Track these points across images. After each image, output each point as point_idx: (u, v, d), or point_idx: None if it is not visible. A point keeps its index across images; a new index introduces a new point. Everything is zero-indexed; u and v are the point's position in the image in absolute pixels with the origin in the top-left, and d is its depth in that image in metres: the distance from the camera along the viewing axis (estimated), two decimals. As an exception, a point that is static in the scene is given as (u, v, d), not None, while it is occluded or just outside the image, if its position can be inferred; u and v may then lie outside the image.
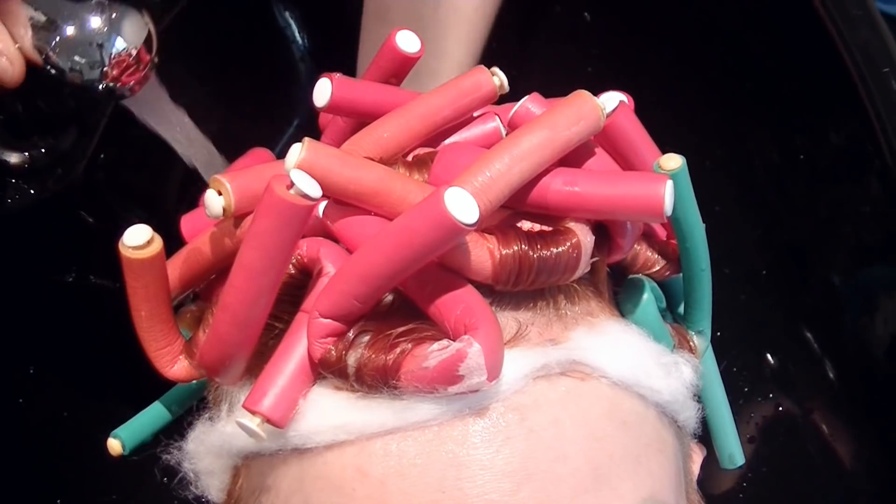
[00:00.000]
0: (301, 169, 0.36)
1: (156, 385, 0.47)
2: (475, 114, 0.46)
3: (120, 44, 0.49)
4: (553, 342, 0.38)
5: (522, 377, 0.37)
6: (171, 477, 0.44)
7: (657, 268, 0.45)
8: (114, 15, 0.49)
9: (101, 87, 0.50)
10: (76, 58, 0.48)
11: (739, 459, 0.52)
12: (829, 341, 0.70)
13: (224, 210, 0.39)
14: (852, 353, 0.67)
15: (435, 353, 0.34)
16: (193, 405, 0.49)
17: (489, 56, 0.75)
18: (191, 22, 0.80)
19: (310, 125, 0.91)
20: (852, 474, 0.67)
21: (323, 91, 0.43)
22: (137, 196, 0.82)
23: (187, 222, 0.46)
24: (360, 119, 0.46)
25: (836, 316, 0.69)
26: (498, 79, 0.45)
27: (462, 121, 0.45)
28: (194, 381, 0.48)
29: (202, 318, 0.44)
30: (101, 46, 0.49)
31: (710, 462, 0.52)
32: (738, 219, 0.74)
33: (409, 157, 0.43)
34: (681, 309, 0.48)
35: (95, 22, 0.49)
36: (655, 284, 0.45)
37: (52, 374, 0.71)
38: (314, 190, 0.34)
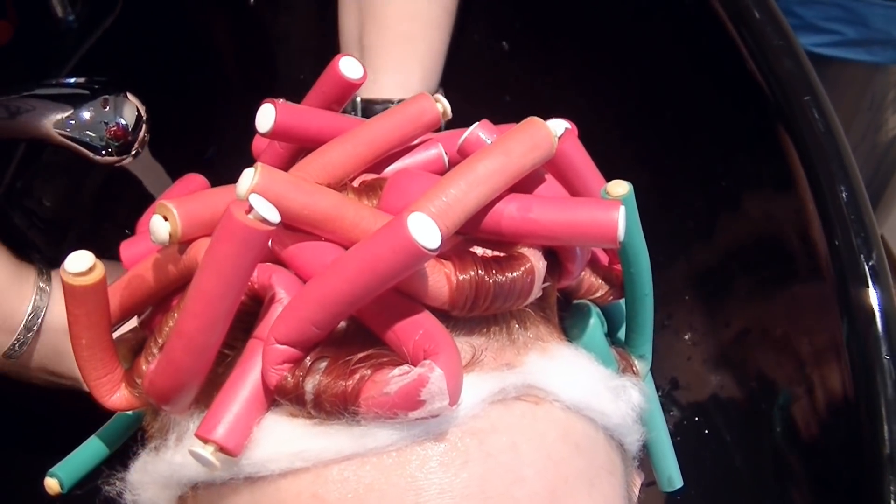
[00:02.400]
0: (256, 194, 0.35)
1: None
2: (417, 140, 0.46)
3: (120, 121, 0.67)
4: (508, 366, 0.38)
5: (480, 402, 0.37)
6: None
7: (601, 293, 0.46)
8: (115, 103, 0.68)
9: (104, 151, 0.68)
10: (88, 132, 0.67)
11: (678, 482, 0.53)
12: (753, 365, 0.71)
13: (170, 236, 0.39)
14: (783, 379, 0.69)
15: (396, 378, 0.34)
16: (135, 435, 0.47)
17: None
18: (110, 49, 0.79)
19: (229, 151, 0.91)
20: (779, 493, 0.68)
21: (267, 116, 0.43)
22: (49, 221, 0.81)
23: (127, 248, 0.45)
24: (303, 145, 0.46)
25: (766, 341, 0.70)
26: (441, 105, 0.46)
27: (405, 147, 0.45)
28: (131, 412, 0.47)
29: (140, 347, 0.43)
30: (106, 124, 0.67)
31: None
32: (659, 246, 0.75)
33: (356, 183, 0.43)
34: (620, 334, 0.49)
35: (104, 109, 0.68)
36: (600, 310, 0.46)
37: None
38: (273, 215, 0.34)
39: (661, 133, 0.77)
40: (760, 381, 0.70)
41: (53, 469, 0.47)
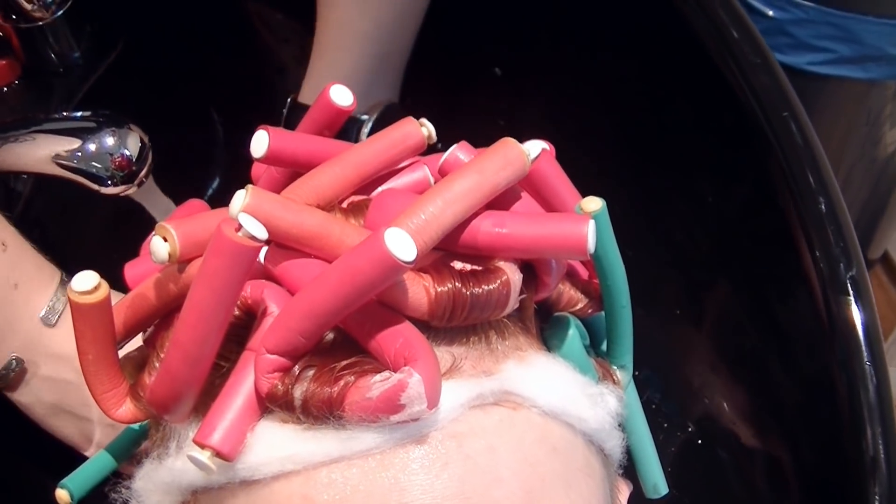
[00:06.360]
0: (246, 213, 0.38)
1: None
2: (405, 163, 0.48)
3: (125, 152, 0.69)
4: (486, 374, 0.40)
5: (459, 406, 0.39)
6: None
7: (580, 305, 0.48)
8: (119, 135, 0.70)
9: (110, 181, 0.71)
10: (93, 163, 0.69)
11: (663, 489, 0.54)
12: (746, 374, 0.73)
13: (169, 256, 0.41)
14: (768, 385, 0.71)
15: (377, 384, 0.36)
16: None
17: (405, 110, 0.79)
18: (115, 83, 0.82)
19: (227, 185, 0.93)
20: (770, 498, 0.70)
21: (260, 142, 0.45)
22: (59, 252, 0.84)
23: (131, 269, 0.47)
24: (295, 169, 0.48)
25: (752, 349, 0.72)
26: (426, 129, 0.48)
27: (393, 170, 0.48)
28: (138, 426, 0.50)
29: (144, 363, 0.46)
30: (111, 155, 0.69)
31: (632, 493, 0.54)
32: (650, 261, 0.77)
33: (345, 204, 0.45)
34: (604, 346, 0.51)
35: (108, 141, 0.70)
36: (580, 322, 0.48)
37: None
38: (261, 232, 0.36)
39: (647, 153, 0.79)
40: (748, 390, 0.72)
41: (64, 481, 0.49)
